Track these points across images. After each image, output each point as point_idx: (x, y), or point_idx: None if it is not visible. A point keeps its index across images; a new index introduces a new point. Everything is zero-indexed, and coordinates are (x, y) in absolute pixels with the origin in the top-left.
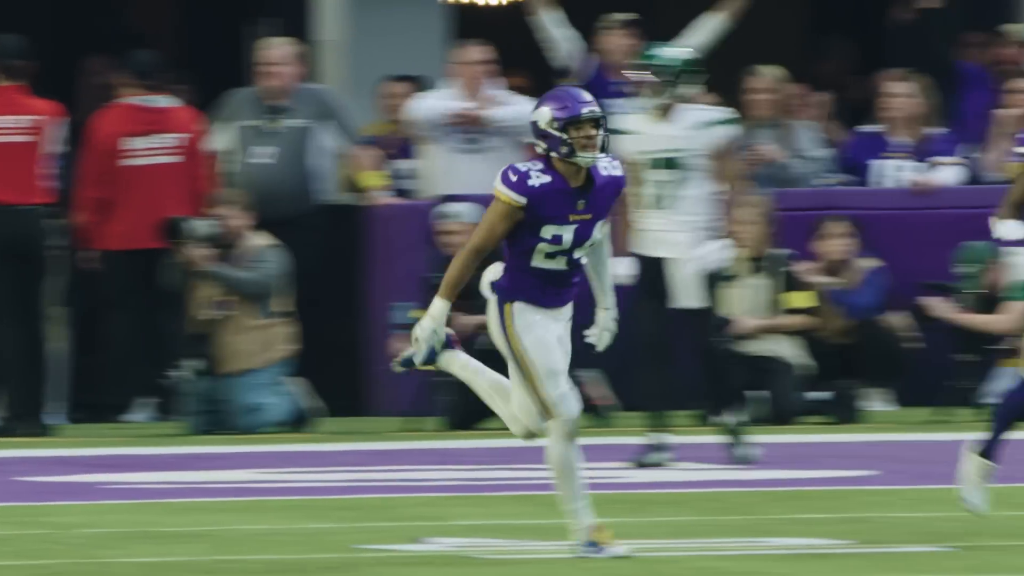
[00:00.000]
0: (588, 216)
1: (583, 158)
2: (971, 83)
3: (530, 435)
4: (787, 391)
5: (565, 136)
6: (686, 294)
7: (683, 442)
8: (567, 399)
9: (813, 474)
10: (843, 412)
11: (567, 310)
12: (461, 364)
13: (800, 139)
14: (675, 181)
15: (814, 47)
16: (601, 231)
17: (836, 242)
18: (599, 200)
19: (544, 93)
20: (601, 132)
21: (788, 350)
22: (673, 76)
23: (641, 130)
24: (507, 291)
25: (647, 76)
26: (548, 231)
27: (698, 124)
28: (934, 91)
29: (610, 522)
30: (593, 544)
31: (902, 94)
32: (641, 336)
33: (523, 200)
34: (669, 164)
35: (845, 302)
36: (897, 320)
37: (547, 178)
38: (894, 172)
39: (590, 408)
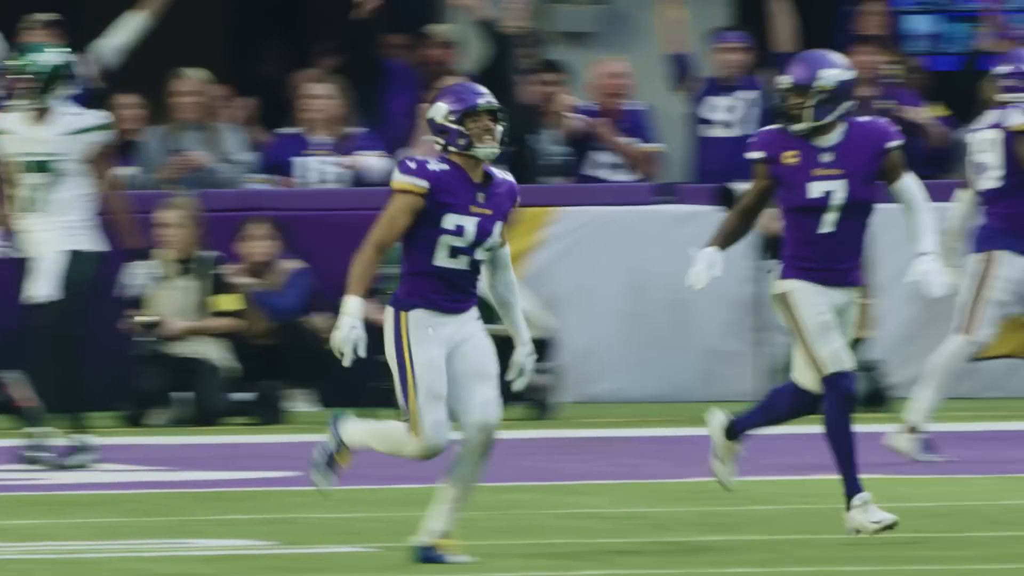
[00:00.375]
0: (489, 211)
1: (482, 149)
2: (397, 83)
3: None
4: (212, 392)
5: (463, 128)
6: (40, 286)
7: (106, 443)
8: (439, 428)
9: (237, 475)
10: (267, 413)
11: (470, 316)
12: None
13: (226, 142)
14: (48, 184)
15: (242, 49)
16: (501, 238)
17: (258, 244)
18: (498, 198)
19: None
20: (499, 125)
21: (214, 352)
22: (45, 81)
23: (16, 132)
24: (404, 300)
25: (22, 79)
26: (451, 220)
27: (72, 129)
28: (356, 90)
29: (32, 524)
30: (331, 458)
31: (321, 95)
32: (39, 335)
33: (425, 184)
34: (42, 167)
35: (268, 303)
36: (321, 321)
37: (445, 165)
38: (317, 172)
39: (14, 410)
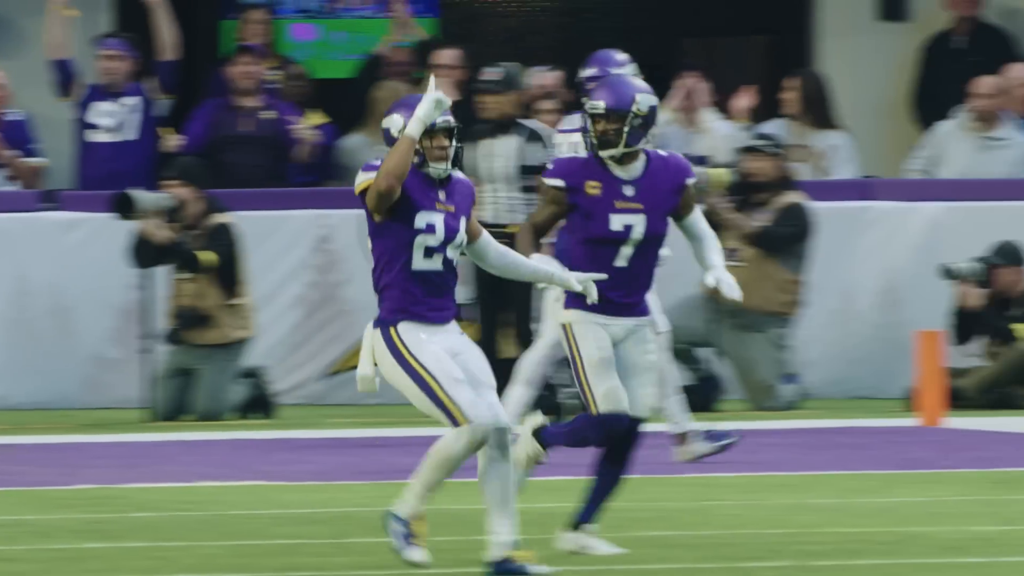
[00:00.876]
0: (451, 208)
1: (435, 168)
2: None
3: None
4: None
5: (418, 146)
6: None
7: None
8: (477, 405)
9: None
10: None
11: (454, 328)
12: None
13: None
14: None
15: None
16: (472, 232)
17: None
18: (457, 195)
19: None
20: (454, 143)
21: None
22: None
23: None
24: (388, 318)
25: None
26: (422, 219)
27: None
28: None
29: None
30: (406, 532)
31: None
32: None
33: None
34: None
35: None
36: None
37: None
38: None
39: None
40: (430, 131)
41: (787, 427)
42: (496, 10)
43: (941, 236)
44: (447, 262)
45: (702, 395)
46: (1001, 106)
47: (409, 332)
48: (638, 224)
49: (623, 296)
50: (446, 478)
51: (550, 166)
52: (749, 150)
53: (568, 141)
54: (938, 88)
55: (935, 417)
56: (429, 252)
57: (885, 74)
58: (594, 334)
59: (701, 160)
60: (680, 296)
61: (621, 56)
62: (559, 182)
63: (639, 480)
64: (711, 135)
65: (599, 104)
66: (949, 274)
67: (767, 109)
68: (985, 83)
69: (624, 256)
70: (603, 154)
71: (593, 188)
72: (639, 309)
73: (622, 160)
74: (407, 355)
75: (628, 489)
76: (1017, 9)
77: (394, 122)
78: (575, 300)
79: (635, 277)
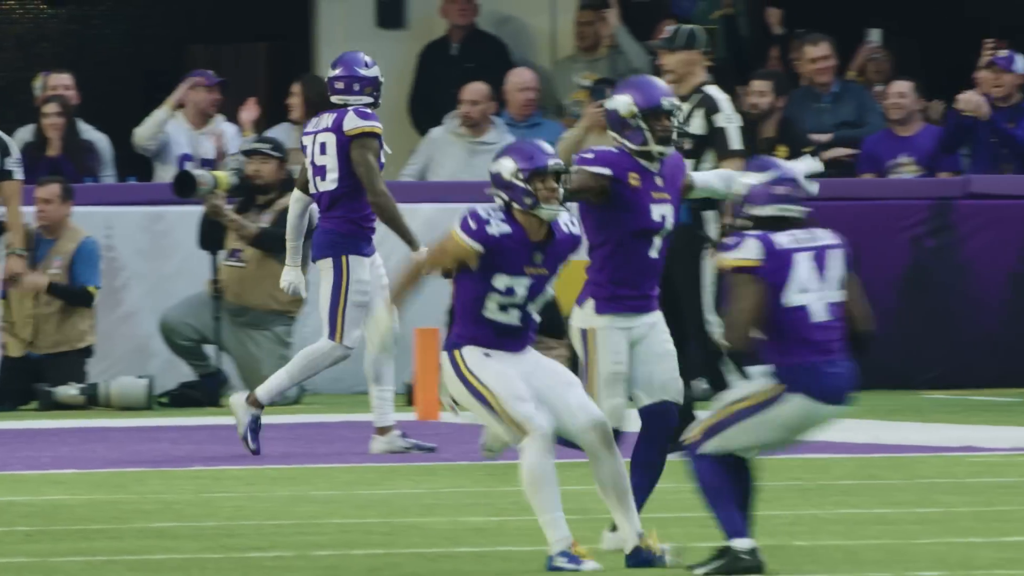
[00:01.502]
0: (544, 271)
1: (547, 210)
2: None
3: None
4: None
5: (529, 187)
6: None
7: None
8: (537, 415)
9: None
10: None
11: (526, 352)
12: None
13: None
14: None
15: None
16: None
17: None
18: (556, 255)
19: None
20: (562, 185)
21: None
22: None
23: None
24: (456, 342)
25: None
26: (501, 281)
27: None
28: None
29: None
30: (567, 555)
31: None
32: None
33: (479, 247)
34: None
35: None
36: None
37: (507, 228)
38: None
39: None
40: (542, 173)
41: (291, 421)
42: (5, 17)
43: (435, 235)
44: (526, 316)
45: (207, 391)
46: (490, 111)
47: (472, 353)
48: (669, 214)
49: (652, 288)
50: (554, 491)
51: (589, 155)
52: (251, 153)
53: (317, 141)
54: (434, 94)
55: (432, 411)
56: (504, 307)
57: (385, 80)
58: (613, 346)
59: (208, 163)
60: (186, 294)
61: (368, 58)
62: (607, 171)
63: (143, 473)
64: (217, 139)
65: (669, 100)
66: None
67: (272, 114)
68: (472, 89)
69: (656, 247)
70: (665, 150)
71: (635, 179)
72: (656, 303)
73: (649, 155)
74: (469, 376)
75: (132, 481)
76: (508, 17)
77: (505, 166)
78: (609, 304)
79: (659, 269)
